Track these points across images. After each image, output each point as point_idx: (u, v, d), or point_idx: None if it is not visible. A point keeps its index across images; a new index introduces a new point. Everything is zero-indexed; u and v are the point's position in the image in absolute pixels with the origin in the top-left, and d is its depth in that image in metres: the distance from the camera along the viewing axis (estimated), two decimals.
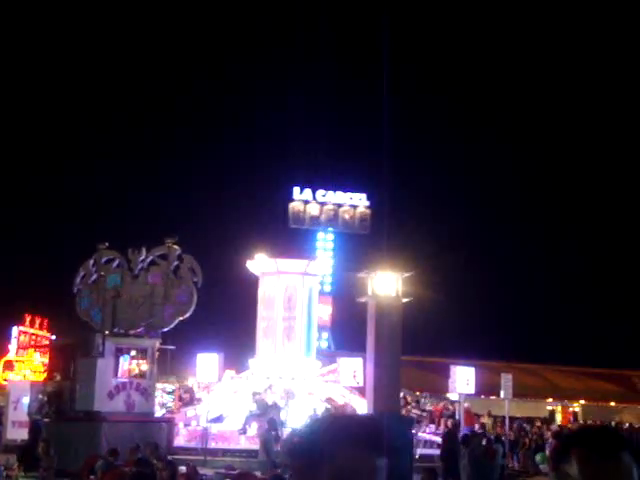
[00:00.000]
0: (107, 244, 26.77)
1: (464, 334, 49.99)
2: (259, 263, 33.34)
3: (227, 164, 62.13)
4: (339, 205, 31.08)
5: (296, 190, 35.33)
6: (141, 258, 26.13)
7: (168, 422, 26.35)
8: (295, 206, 32.08)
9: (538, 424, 35.80)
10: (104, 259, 26.58)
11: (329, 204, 31.52)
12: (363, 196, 31.40)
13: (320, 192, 31.59)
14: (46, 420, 24.26)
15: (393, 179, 28.12)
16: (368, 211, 27.82)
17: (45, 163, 62.08)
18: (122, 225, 51.73)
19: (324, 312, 38.90)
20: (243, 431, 26.62)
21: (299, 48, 55.08)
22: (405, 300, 25.34)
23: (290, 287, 33.23)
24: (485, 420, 31.30)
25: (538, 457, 28.84)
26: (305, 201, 31.40)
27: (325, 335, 40.83)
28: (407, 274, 25.50)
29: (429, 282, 30.20)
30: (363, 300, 25.73)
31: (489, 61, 65.08)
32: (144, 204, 60.45)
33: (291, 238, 37.66)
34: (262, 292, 33.69)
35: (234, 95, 64.14)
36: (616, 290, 57.81)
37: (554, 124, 64.67)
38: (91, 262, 26.58)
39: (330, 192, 31.09)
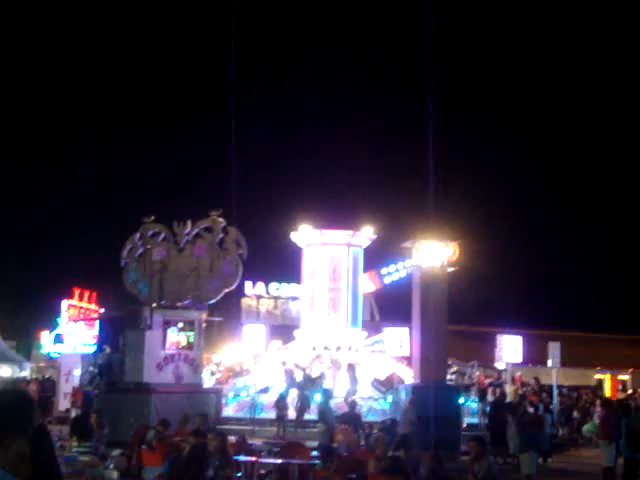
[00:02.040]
0: (153, 217, 26.96)
1: (511, 303, 49.70)
2: (303, 234, 33.37)
3: (268, 137, 62.16)
4: None
5: None
6: (186, 231, 26.28)
7: (216, 393, 26.62)
8: None
9: (586, 393, 35.56)
10: (150, 232, 26.77)
11: None
12: None
13: None
14: (97, 392, 24.65)
15: (438, 149, 27.85)
16: None
17: (93, 136, 62.68)
18: (168, 198, 52.16)
19: (369, 282, 38.80)
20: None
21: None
22: (451, 269, 25.21)
23: (335, 258, 33.23)
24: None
25: (586, 427, 28.65)
26: None
27: (371, 306, 40.79)
28: (453, 243, 25.34)
29: (475, 251, 29.99)
30: (409, 270, 25.66)
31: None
32: (190, 177, 60.87)
33: (335, 209, 37.65)
34: (307, 263, 33.75)
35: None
36: None
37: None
38: (137, 236, 26.79)
39: None
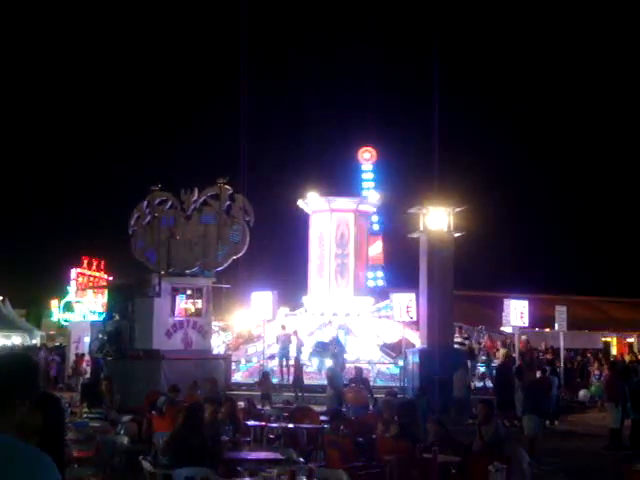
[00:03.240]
0: (160, 185, 27.00)
1: (517, 267, 49.78)
2: (311, 201, 33.42)
3: (276, 104, 61.94)
4: None
5: None
6: (193, 199, 26.32)
7: (225, 359, 26.83)
8: None
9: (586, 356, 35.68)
10: (157, 200, 26.81)
11: None
12: None
13: None
14: (107, 359, 24.85)
15: (444, 117, 27.85)
16: None
17: (102, 105, 62.61)
18: (174, 166, 52.19)
19: (376, 249, 38.93)
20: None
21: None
22: (457, 235, 25.25)
23: (342, 225, 33.32)
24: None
25: (592, 389, 28.82)
26: None
27: (378, 273, 40.95)
28: (459, 209, 25.35)
29: (481, 216, 30.00)
30: (415, 236, 25.70)
31: None
32: (194, 144, 60.79)
33: (341, 176, 37.67)
34: (314, 230, 33.84)
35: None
36: None
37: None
38: (145, 204, 26.84)
39: None
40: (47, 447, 3.34)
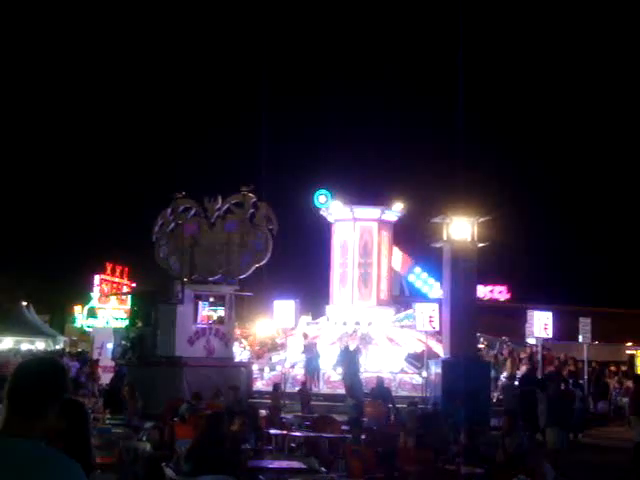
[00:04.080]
0: (184, 193, 27.09)
1: (542, 278, 49.48)
2: (333, 210, 33.39)
3: (300, 114, 62.08)
4: None
5: None
6: (217, 206, 26.38)
7: (247, 367, 26.83)
8: None
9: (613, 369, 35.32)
10: (181, 208, 26.91)
11: None
12: None
13: None
14: (129, 365, 24.92)
15: (469, 126, 27.82)
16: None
17: (127, 111, 63.01)
18: (199, 174, 52.40)
19: (400, 258, 38.81)
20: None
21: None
22: (481, 245, 25.11)
23: (365, 234, 33.27)
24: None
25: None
26: None
27: (401, 281, 40.81)
28: (483, 219, 25.21)
29: (506, 226, 29.82)
30: (438, 245, 25.58)
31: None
32: (222, 153, 61.02)
33: (365, 184, 37.57)
34: (337, 239, 33.80)
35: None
36: None
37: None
38: (169, 211, 26.94)
39: None
40: (71, 452, 3.34)
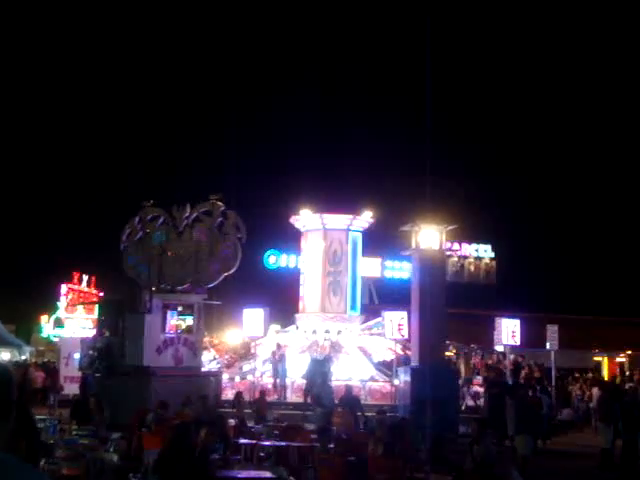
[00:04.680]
0: (152, 202, 26.96)
1: (510, 286, 49.78)
2: (303, 218, 33.40)
3: (268, 121, 62.06)
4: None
5: None
6: (185, 215, 26.27)
7: (216, 376, 26.71)
8: None
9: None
10: (149, 216, 26.77)
11: None
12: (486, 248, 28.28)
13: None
14: (97, 375, 24.71)
15: (435, 136, 27.95)
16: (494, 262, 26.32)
17: (93, 120, 62.62)
18: (167, 182, 52.16)
19: (368, 266, 38.87)
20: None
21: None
22: (449, 253, 25.22)
23: (335, 242, 33.30)
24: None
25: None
26: None
27: (370, 289, 40.89)
28: (451, 227, 25.36)
29: (474, 235, 30.01)
30: (407, 254, 25.68)
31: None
32: (190, 161, 60.78)
33: (335, 193, 37.63)
34: (306, 247, 33.81)
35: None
36: None
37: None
38: (136, 219, 26.79)
39: None
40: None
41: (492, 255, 24.87)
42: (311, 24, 64.54)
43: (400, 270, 37.93)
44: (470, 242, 25.36)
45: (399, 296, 30.08)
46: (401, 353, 28.47)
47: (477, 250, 25.02)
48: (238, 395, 22.18)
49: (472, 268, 24.55)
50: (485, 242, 26.99)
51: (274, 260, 38.15)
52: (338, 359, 29.20)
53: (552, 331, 29.14)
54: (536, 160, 62.04)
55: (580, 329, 42.23)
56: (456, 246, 24.46)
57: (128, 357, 24.58)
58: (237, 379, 29.04)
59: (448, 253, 24.79)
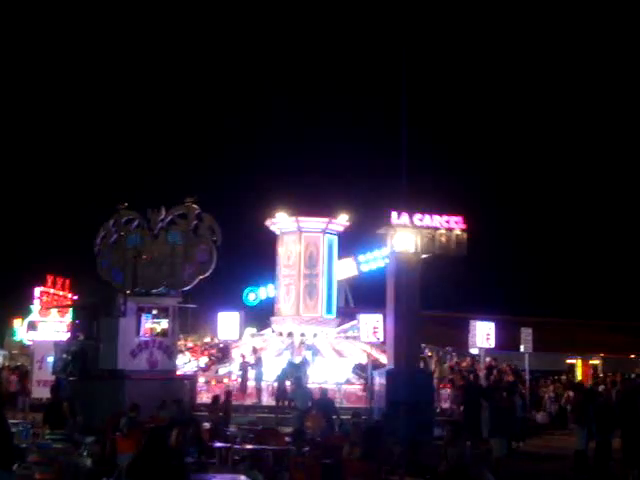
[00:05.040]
0: (127, 204, 26.82)
1: (485, 289, 50.05)
2: (279, 221, 33.36)
3: (245, 124, 61.96)
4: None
5: None
6: (160, 218, 26.15)
7: (191, 379, 26.61)
8: None
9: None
10: (124, 219, 26.62)
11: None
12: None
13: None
14: (71, 379, 24.53)
15: (412, 136, 28.03)
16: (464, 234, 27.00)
17: (68, 121, 62.23)
18: (142, 185, 51.93)
19: (345, 269, 38.87)
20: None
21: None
22: (424, 256, 25.30)
23: (310, 245, 33.30)
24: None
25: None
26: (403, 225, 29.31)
27: (345, 292, 40.87)
28: (426, 230, 25.42)
29: (449, 237, 29.99)
30: (383, 256, 25.71)
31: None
32: (165, 164, 60.58)
33: (310, 196, 37.62)
34: (282, 250, 33.76)
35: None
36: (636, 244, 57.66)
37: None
38: (111, 222, 26.64)
39: None
40: None
41: (463, 227, 25.16)
42: (285, 26, 64.60)
43: (375, 260, 37.74)
44: (441, 214, 25.68)
45: (375, 295, 30.04)
46: (375, 356, 28.56)
47: (448, 222, 25.21)
48: (215, 399, 22.13)
49: (443, 239, 24.69)
50: (456, 214, 27.31)
51: (253, 297, 38.16)
52: (314, 362, 29.21)
53: (526, 334, 29.29)
54: (511, 161, 62.41)
55: (554, 332, 42.50)
56: (427, 218, 24.74)
57: (102, 361, 24.42)
58: (213, 383, 28.95)
59: (419, 224, 25.23)
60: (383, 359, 27.89)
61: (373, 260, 38.20)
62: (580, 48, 63.89)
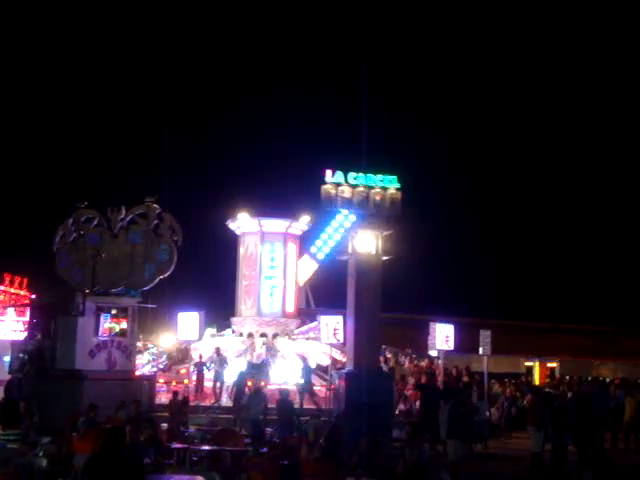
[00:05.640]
0: (86, 203, 26.63)
1: (444, 291, 50.35)
2: (241, 222, 33.30)
3: (206, 124, 61.76)
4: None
5: None
6: (121, 217, 26.01)
7: (149, 380, 26.46)
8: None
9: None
10: (83, 218, 26.46)
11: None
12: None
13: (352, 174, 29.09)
14: (27, 378, 24.28)
15: (370, 142, 28.14)
16: (399, 193, 27.35)
17: (28, 119, 61.53)
18: (102, 184, 51.49)
19: (304, 270, 38.86)
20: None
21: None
22: (385, 258, 25.43)
23: (272, 246, 33.30)
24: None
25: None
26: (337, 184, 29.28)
27: (306, 293, 40.86)
28: (387, 232, 25.56)
29: (409, 240, 30.20)
30: (344, 258, 25.81)
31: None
32: (124, 162, 60.09)
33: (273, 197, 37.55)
34: (243, 251, 33.72)
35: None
36: (598, 247, 58.47)
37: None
38: (70, 221, 26.46)
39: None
40: None
41: (398, 186, 25.49)
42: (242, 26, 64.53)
43: (326, 244, 37.45)
44: (375, 173, 26.08)
45: (336, 296, 30.10)
46: (336, 357, 28.62)
47: (382, 180, 25.54)
48: (174, 393, 22.10)
49: (378, 198, 25.04)
50: (391, 174, 27.56)
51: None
52: (274, 363, 29.20)
53: (485, 336, 29.47)
54: (474, 163, 62.86)
55: (513, 334, 42.86)
56: (361, 177, 25.10)
57: (60, 360, 24.23)
58: (174, 383, 28.78)
59: (353, 183, 25.71)
60: (344, 360, 27.98)
61: (324, 244, 38.05)
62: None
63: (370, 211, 25.85)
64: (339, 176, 25.84)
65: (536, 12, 63.42)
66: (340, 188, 26.10)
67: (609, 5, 61.31)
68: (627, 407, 24.87)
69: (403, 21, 60.64)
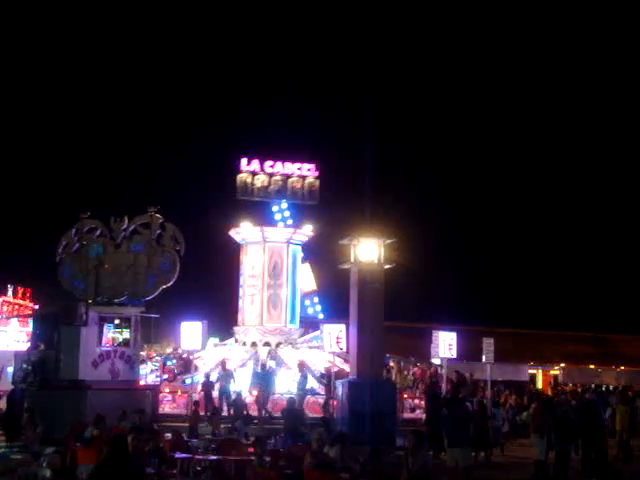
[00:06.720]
0: (89, 213, 26.69)
1: (447, 299, 50.34)
2: (243, 231, 33.31)
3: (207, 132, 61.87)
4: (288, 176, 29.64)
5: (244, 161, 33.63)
6: (123, 227, 26.06)
7: (153, 389, 26.44)
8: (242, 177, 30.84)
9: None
10: (86, 228, 26.51)
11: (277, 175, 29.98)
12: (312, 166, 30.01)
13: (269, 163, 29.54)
14: (31, 389, 24.27)
15: (376, 149, 28.19)
16: (317, 182, 27.64)
17: (29, 129, 61.68)
18: (104, 194, 51.60)
19: (308, 279, 38.89)
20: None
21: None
22: (387, 266, 25.43)
23: (275, 255, 33.31)
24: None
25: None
26: (253, 172, 29.64)
27: (309, 302, 40.89)
28: (389, 241, 25.55)
29: (412, 248, 30.24)
30: (346, 267, 25.80)
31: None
32: (127, 174, 60.23)
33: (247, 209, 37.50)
34: (246, 260, 33.72)
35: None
36: (601, 255, 58.47)
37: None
38: (73, 231, 26.50)
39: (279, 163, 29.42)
40: None
41: (316, 174, 25.88)
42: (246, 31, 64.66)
43: (315, 312, 37.81)
44: (293, 161, 26.43)
45: (339, 305, 30.16)
46: (339, 367, 28.59)
47: (300, 169, 25.92)
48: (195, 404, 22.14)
49: (297, 186, 25.34)
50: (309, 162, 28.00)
51: None
52: (278, 372, 29.18)
53: (488, 344, 29.43)
54: (472, 175, 62.92)
55: (516, 342, 42.89)
56: (278, 165, 25.45)
57: (63, 371, 24.24)
58: (179, 393, 28.74)
59: (269, 171, 25.98)
60: (347, 369, 27.96)
61: (315, 311, 38.10)
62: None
63: (287, 199, 26.01)
64: (255, 165, 25.93)
65: (528, 21, 63.54)
66: (256, 177, 26.16)
67: (608, 5, 61.29)
68: (617, 415, 24.81)
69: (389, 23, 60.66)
